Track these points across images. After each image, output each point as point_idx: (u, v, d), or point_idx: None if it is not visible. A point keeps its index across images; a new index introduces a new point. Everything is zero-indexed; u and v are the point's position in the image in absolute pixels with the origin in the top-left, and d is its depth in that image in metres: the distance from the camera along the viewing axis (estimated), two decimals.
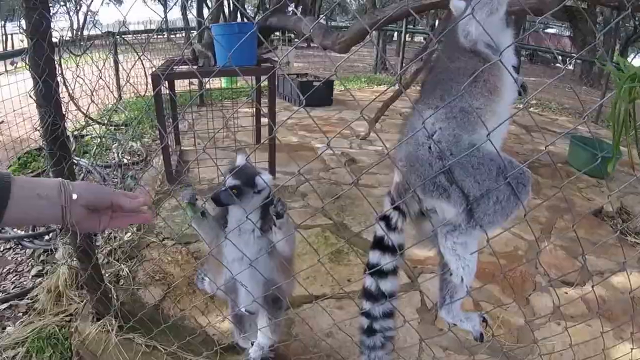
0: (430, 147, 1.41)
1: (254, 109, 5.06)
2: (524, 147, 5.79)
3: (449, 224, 1.47)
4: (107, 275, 2.64)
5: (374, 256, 1.65)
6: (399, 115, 6.63)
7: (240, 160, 1.70)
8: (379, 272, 1.63)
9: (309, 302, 2.56)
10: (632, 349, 1.90)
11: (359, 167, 4.65)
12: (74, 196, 0.88)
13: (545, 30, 20.95)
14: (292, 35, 10.97)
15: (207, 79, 4.67)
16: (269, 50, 6.69)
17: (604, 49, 9.96)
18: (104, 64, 5.50)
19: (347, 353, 2.19)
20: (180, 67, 4.09)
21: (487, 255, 2.59)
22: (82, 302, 2.50)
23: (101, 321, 2.30)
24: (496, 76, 1.39)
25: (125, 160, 4.57)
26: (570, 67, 16.10)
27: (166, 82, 4.29)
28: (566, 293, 2.92)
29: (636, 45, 13.53)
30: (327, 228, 3.39)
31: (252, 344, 1.99)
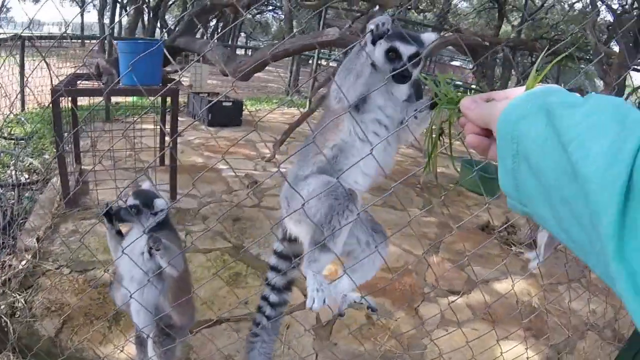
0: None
1: (160, 129, 4.98)
2: (419, 169, 6.21)
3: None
4: (2, 307, 2.53)
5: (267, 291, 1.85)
6: (304, 138, 6.80)
7: (145, 185, 1.90)
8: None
9: (207, 326, 2.60)
10: (502, 350, 2.14)
11: (262, 190, 4.75)
12: None
13: (451, 63, 22.80)
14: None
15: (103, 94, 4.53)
16: (176, 70, 6.66)
17: (502, 81, 11.05)
18: (3, 66, 5.09)
19: None
20: (84, 82, 4.00)
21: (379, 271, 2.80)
22: None
23: None
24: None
25: (23, 179, 4.29)
26: None
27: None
28: (453, 302, 3.21)
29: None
30: (226, 251, 3.44)
31: None
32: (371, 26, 1.33)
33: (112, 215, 1.80)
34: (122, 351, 2.25)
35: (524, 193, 0.60)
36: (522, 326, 2.95)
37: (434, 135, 1.08)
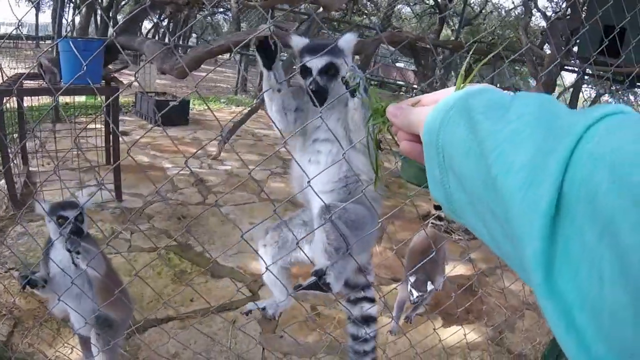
0: None
1: (106, 128, 4.77)
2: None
3: None
4: None
5: None
6: (251, 135, 6.78)
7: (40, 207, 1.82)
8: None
9: (154, 326, 2.52)
10: (434, 329, 2.18)
11: (208, 187, 4.64)
12: None
13: (395, 64, 23.29)
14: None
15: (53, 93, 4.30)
16: (119, 69, 6.40)
17: (442, 81, 11.37)
18: None
19: None
20: (28, 81, 3.84)
21: None
22: None
23: None
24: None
25: None
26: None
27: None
28: (395, 289, 3.25)
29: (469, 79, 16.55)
30: (170, 249, 3.32)
31: None
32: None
33: (32, 279, 1.71)
34: (71, 352, 2.20)
35: (455, 203, 0.53)
36: (462, 309, 3.05)
37: (371, 150, 1.03)
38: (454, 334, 2.45)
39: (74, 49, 3.38)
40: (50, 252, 1.76)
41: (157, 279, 2.94)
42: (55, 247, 1.75)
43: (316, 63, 1.21)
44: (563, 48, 5.27)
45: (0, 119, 3.41)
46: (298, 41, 1.27)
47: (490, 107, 0.48)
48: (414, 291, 2.61)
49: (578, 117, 0.39)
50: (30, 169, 4.35)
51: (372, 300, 1.64)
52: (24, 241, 3.21)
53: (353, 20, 13.86)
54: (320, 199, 1.30)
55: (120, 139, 4.15)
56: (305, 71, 1.24)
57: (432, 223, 3.05)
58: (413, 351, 2.55)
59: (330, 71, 1.23)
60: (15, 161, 3.81)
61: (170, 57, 3.35)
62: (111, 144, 4.36)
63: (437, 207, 2.93)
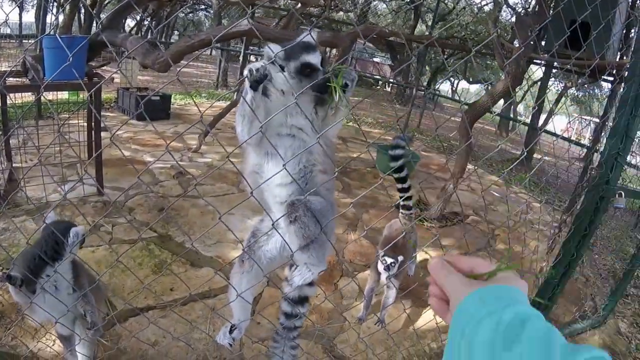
0: None
1: (88, 123, 4.66)
2: (339, 155, 6.28)
3: None
4: None
5: None
6: (230, 129, 6.71)
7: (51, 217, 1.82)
8: None
9: (135, 315, 2.50)
10: (404, 310, 2.20)
11: (188, 180, 4.60)
12: None
13: (371, 59, 23.24)
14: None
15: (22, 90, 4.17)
16: (102, 65, 6.26)
17: (416, 75, 11.40)
18: None
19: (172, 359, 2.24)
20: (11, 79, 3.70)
21: None
22: None
23: None
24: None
25: None
26: (388, 90, 18.23)
27: None
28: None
29: (442, 73, 17.06)
30: (151, 241, 3.28)
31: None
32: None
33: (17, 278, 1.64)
34: (53, 344, 2.19)
35: None
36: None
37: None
38: (424, 316, 2.49)
39: (61, 43, 3.31)
40: (47, 270, 1.70)
41: (138, 270, 2.91)
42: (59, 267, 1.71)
43: (318, 59, 1.29)
44: (531, 42, 5.32)
45: None
46: (276, 48, 1.30)
47: (513, 325, 0.53)
48: (387, 258, 2.63)
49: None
50: (14, 165, 4.24)
51: (310, 283, 1.68)
52: (6, 237, 3.13)
53: (331, 16, 13.79)
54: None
55: (102, 133, 4.07)
56: (310, 69, 1.30)
57: (401, 212, 3.06)
58: (385, 333, 2.59)
59: (322, 64, 1.31)
60: None
61: (153, 52, 3.30)
62: (93, 139, 4.28)
63: (406, 198, 2.95)
